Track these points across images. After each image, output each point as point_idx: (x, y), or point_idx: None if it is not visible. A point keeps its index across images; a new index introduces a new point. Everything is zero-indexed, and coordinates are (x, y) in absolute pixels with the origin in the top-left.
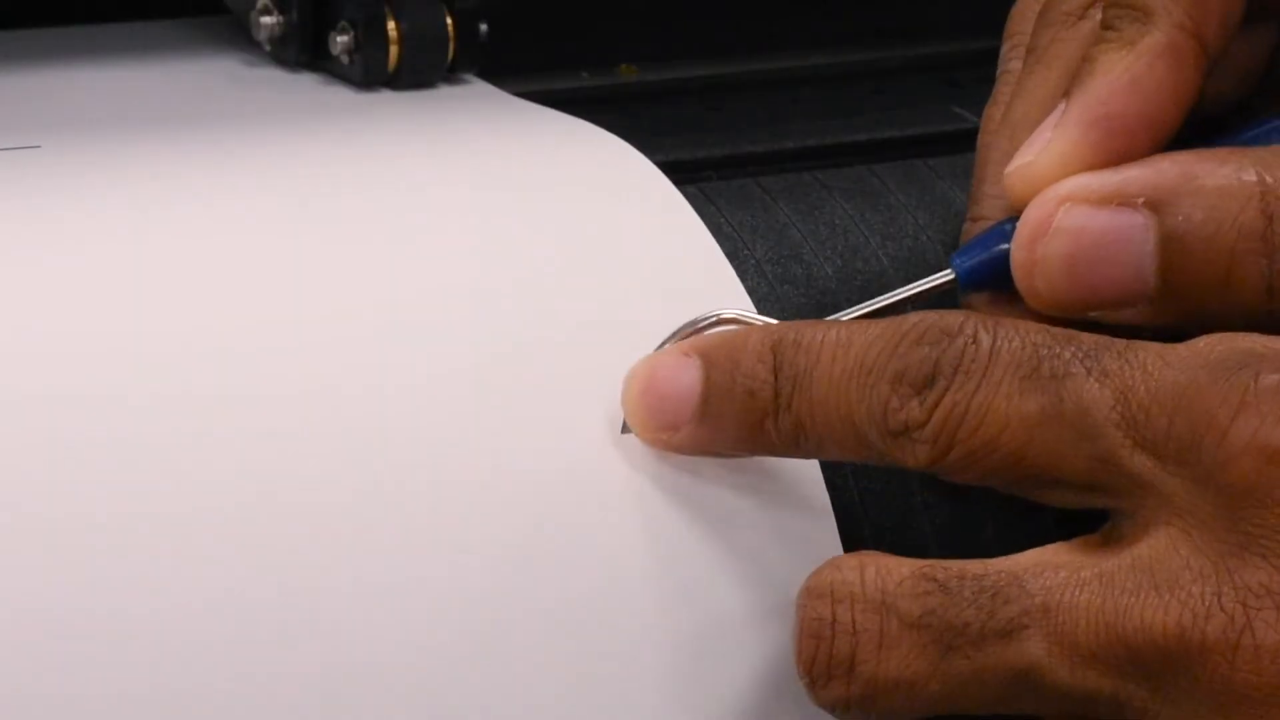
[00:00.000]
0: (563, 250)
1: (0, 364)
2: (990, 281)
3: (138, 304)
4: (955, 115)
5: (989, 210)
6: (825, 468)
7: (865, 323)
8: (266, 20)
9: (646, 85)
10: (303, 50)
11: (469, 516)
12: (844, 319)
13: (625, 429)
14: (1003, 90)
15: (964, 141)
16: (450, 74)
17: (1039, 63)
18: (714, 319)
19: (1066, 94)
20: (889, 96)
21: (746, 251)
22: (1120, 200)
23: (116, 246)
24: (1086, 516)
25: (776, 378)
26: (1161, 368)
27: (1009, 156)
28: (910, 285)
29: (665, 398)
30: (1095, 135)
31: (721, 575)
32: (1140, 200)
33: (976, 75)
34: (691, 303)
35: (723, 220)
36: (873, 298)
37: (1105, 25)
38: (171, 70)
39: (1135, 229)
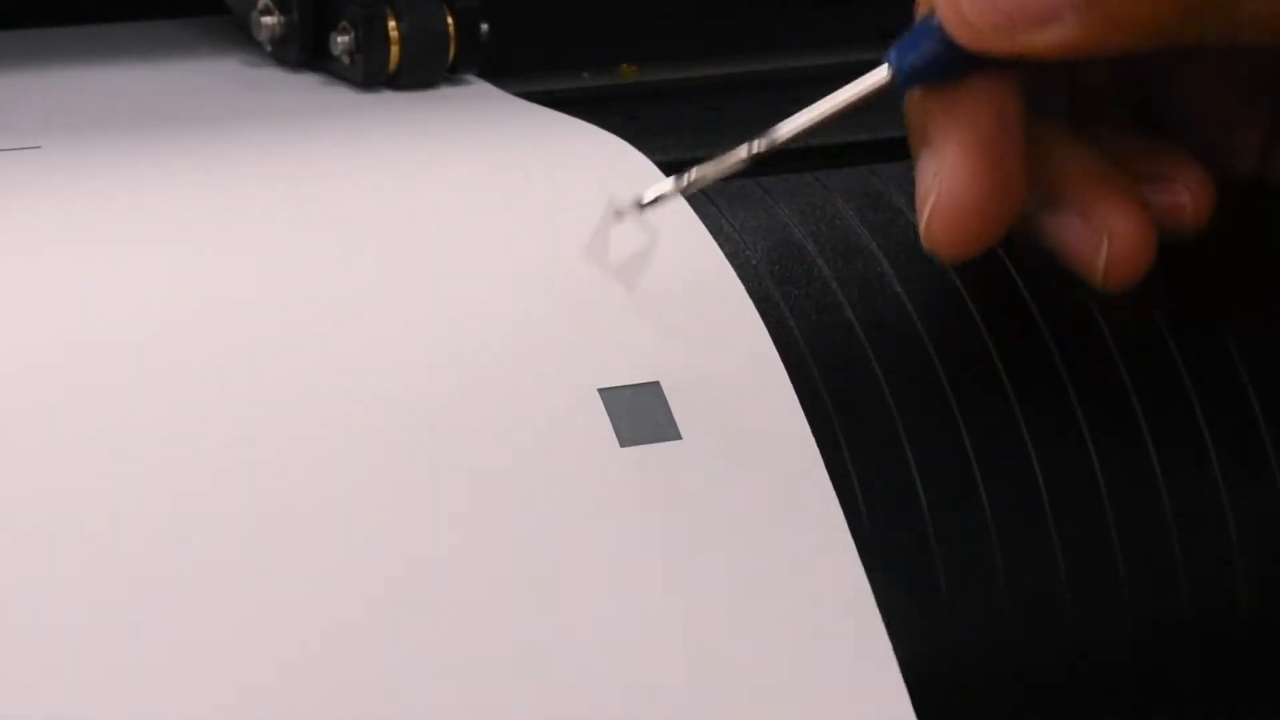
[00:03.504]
0: (561, 251)
1: (1, 366)
2: (924, 72)
3: (139, 305)
4: None
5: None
6: (825, 465)
7: None
8: (267, 20)
9: (646, 85)
10: (303, 50)
11: (468, 516)
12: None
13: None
14: None
15: None
16: (451, 74)
17: None
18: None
19: None
20: (889, 97)
21: (747, 252)
22: None
23: (117, 247)
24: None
25: None
26: None
27: None
28: (846, 87)
29: None
30: None
31: (721, 575)
32: None
33: None
34: (691, 304)
35: (723, 220)
36: (872, 299)
37: None
38: (171, 70)
39: None
